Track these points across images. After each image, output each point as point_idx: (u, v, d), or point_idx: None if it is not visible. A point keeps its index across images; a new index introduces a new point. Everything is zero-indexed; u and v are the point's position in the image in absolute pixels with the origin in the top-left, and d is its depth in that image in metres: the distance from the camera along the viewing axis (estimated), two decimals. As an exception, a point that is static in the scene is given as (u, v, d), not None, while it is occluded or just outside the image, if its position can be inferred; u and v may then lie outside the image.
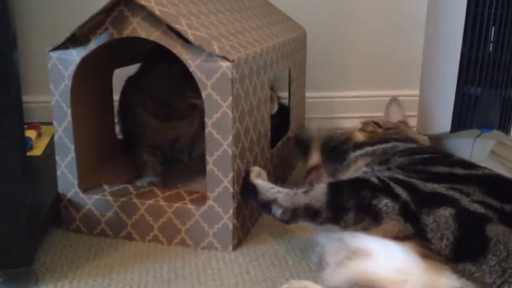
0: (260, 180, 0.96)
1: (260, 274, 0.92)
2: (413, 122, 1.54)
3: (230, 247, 1.00)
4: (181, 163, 1.34)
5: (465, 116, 1.20)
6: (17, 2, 1.58)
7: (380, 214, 0.74)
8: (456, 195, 0.75)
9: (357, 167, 0.99)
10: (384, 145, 1.03)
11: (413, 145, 1.05)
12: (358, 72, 1.72)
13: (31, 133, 1.39)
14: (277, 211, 0.85)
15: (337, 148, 1.15)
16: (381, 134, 1.18)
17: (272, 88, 1.20)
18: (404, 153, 0.96)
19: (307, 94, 1.57)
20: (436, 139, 1.39)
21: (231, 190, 0.98)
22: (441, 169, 0.85)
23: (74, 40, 0.99)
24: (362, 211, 0.75)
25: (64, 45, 1.00)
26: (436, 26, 1.31)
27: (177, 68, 1.17)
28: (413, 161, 0.91)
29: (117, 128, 1.33)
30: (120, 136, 1.36)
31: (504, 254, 0.66)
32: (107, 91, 1.23)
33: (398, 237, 0.72)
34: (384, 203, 0.74)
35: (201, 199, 1.01)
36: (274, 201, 0.86)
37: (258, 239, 1.04)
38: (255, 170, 1.00)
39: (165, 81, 1.22)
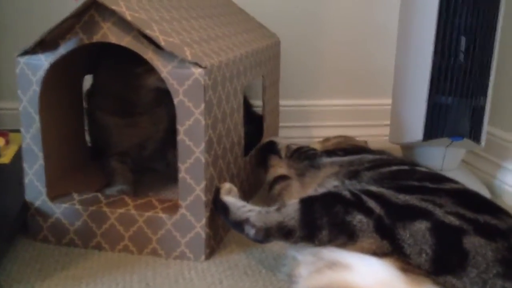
0: (231, 198, 0.95)
1: (233, 284, 0.90)
2: (385, 131, 1.55)
3: (203, 257, 0.98)
4: (155, 171, 1.31)
5: (436, 125, 1.21)
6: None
7: (355, 232, 0.73)
8: (430, 206, 0.75)
9: (326, 174, 0.99)
10: (353, 156, 1.04)
11: (382, 157, 1.06)
12: (332, 80, 1.73)
13: (-1, 140, 1.36)
14: (250, 231, 0.83)
15: (305, 151, 1.15)
16: (334, 144, 1.19)
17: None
18: (371, 166, 0.96)
19: (281, 102, 1.57)
20: (408, 147, 1.40)
21: (204, 198, 0.96)
22: (411, 182, 0.85)
23: (43, 45, 0.97)
24: (336, 229, 0.74)
25: (32, 50, 0.98)
26: (408, 36, 1.32)
27: (123, 58, 1.15)
28: (381, 175, 0.91)
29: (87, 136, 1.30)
30: (90, 144, 1.33)
31: (483, 266, 0.67)
32: (76, 98, 1.20)
33: (377, 254, 0.72)
34: (358, 219, 0.73)
35: (173, 208, 1.00)
36: (246, 220, 0.84)
37: (231, 248, 1.03)
38: (226, 187, 0.99)
39: (114, 73, 1.18)
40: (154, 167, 1.30)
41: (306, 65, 1.71)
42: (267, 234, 0.81)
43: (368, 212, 0.74)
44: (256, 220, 0.83)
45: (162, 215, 0.99)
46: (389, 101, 1.48)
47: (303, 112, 1.73)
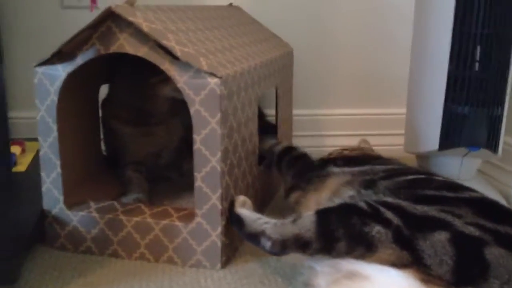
0: (246, 210, 0.95)
1: (249, 292, 0.90)
2: (399, 140, 1.55)
3: (219, 265, 0.99)
4: (169, 180, 1.32)
5: (452, 135, 1.20)
6: (4, 17, 1.57)
7: (374, 243, 0.72)
8: (449, 217, 0.74)
9: (335, 185, 0.99)
10: (362, 167, 1.03)
11: (394, 166, 1.05)
12: (345, 90, 1.73)
13: (15, 149, 1.37)
14: (266, 244, 0.82)
15: (300, 158, 1.14)
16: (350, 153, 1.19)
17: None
18: (387, 176, 0.96)
19: (294, 111, 1.57)
20: (424, 157, 1.39)
21: (220, 207, 0.97)
22: (429, 192, 0.85)
23: (61, 56, 0.98)
24: (354, 240, 0.74)
25: (50, 61, 0.99)
26: (423, 45, 1.32)
27: (139, 68, 1.16)
28: (397, 184, 0.91)
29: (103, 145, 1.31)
30: (105, 153, 1.34)
31: (506, 277, 0.66)
32: (93, 107, 1.21)
33: (396, 265, 0.71)
34: (377, 230, 0.73)
35: (189, 216, 1.00)
36: (262, 233, 0.84)
37: (246, 257, 1.03)
38: (240, 199, 0.99)
39: (130, 82, 1.20)
40: (168, 176, 1.31)
41: (319, 74, 1.71)
42: (284, 246, 0.80)
43: (386, 223, 0.73)
44: (272, 233, 0.82)
45: (178, 223, 0.99)
46: (403, 110, 1.48)
47: (316, 121, 1.73)
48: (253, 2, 1.62)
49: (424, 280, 0.68)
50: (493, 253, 0.68)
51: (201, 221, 0.98)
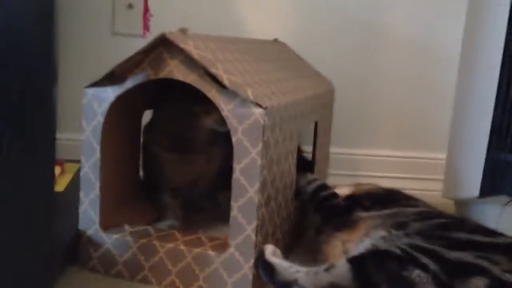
0: (277, 258, 0.93)
1: (280, 329, 0.88)
2: (437, 185, 1.52)
3: (249, 299, 0.97)
4: (203, 211, 1.31)
5: (495, 182, 1.17)
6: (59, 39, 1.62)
7: (415, 286, 0.70)
8: (485, 263, 0.72)
9: (365, 229, 0.97)
10: (391, 210, 1.01)
11: (426, 209, 1.03)
12: (384, 130, 1.72)
13: (55, 169, 1.39)
14: None
15: (328, 199, 1.12)
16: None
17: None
18: (419, 218, 0.93)
19: (332, 149, 1.56)
20: (463, 204, 1.36)
21: (254, 238, 0.95)
22: (462, 235, 0.83)
23: (112, 78, 1.01)
24: (395, 284, 0.72)
25: (101, 82, 1.01)
26: (468, 89, 1.31)
27: (183, 97, 1.17)
28: (430, 227, 0.89)
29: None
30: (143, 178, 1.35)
31: None
32: (135, 132, 1.23)
33: None
34: (416, 274, 0.71)
35: (223, 246, 0.99)
36: (295, 282, 0.82)
37: (278, 292, 1.01)
38: (270, 248, 0.97)
39: (173, 110, 1.21)
40: (203, 207, 1.31)
41: (359, 114, 1.71)
42: None
43: (423, 267, 0.72)
44: (306, 282, 0.81)
45: (211, 252, 0.98)
46: (442, 155, 1.46)
47: (353, 160, 1.72)
48: (297, 38, 1.64)
49: None
50: None
51: (234, 251, 0.97)
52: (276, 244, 1.05)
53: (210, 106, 1.12)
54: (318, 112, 1.33)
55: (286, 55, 1.46)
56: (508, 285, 0.69)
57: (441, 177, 1.50)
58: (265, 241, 0.99)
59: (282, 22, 1.66)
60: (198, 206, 1.30)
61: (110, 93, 1.01)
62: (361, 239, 0.96)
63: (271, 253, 0.95)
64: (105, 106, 1.01)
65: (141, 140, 1.26)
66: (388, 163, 1.72)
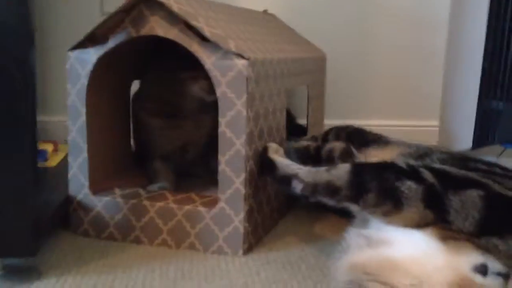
0: (279, 157, 0.94)
1: (271, 276, 0.87)
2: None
3: (241, 252, 0.96)
4: (195, 176, 1.30)
5: (487, 132, 1.16)
6: (45, 20, 1.63)
7: (401, 199, 0.70)
8: (489, 182, 0.71)
9: (393, 154, 0.97)
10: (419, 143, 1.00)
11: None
12: (378, 101, 1.71)
13: (47, 146, 1.40)
14: (298, 186, 0.83)
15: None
16: None
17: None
18: (443, 151, 0.93)
19: (326, 121, 1.55)
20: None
21: (243, 191, 0.95)
22: (480, 166, 0.82)
23: (93, 39, 1.00)
24: (384, 194, 0.72)
25: (83, 44, 1.01)
26: (457, 44, 1.30)
27: (170, 64, 1.16)
28: (452, 157, 0.89)
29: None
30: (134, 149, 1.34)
31: None
32: (124, 103, 1.22)
33: (419, 225, 0.69)
34: (407, 185, 0.70)
35: (213, 202, 0.98)
36: (295, 175, 0.85)
37: (270, 246, 1.00)
38: (273, 146, 0.98)
39: (160, 77, 1.20)
40: (196, 173, 1.30)
41: (352, 85, 1.70)
42: (314, 190, 0.80)
43: (419, 180, 0.71)
44: (305, 176, 0.83)
45: (201, 208, 0.98)
46: (435, 122, 1.44)
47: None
48: (288, 10, 1.63)
49: (443, 237, 0.66)
50: None
51: (224, 206, 0.96)
52: (267, 198, 1.05)
53: (197, 73, 1.12)
54: (308, 75, 1.32)
55: (275, 24, 1.45)
56: (506, 198, 0.67)
57: (435, 144, 1.49)
58: (255, 195, 0.99)
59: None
60: (191, 173, 1.29)
61: (93, 54, 1.00)
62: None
63: (274, 151, 0.96)
64: (88, 67, 1.01)
65: (131, 111, 1.26)
66: (382, 132, 1.70)
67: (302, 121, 1.47)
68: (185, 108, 1.22)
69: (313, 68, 1.38)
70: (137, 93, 1.26)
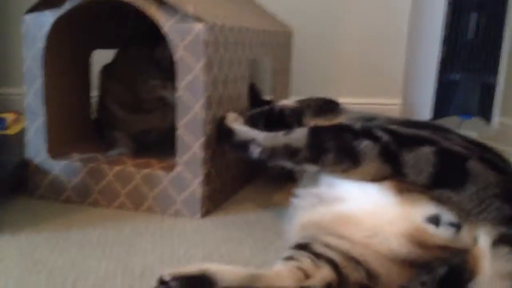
0: (237, 125, 0.95)
1: (227, 235, 0.88)
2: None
3: (198, 215, 0.96)
4: (157, 147, 1.30)
5: (445, 104, 1.19)
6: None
7: (359, 156, 0.72)
8: (439, 138, 0.73)
9: (345, 119, 0.98)
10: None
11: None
12: (343, 80, 1.73)
13: (9, 115, 1.38)
14: (255, 150, 0.83)
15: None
16: None
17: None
18: (390, 117, 0.95)
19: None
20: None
21: (201, 155, 0.95)
22: (425, 126, 0.84)
23: (49, 1, 0.99)
24: (342, 153, 0.73)
25: (38, 7, 1.00)
26: (418, 18, 1.32)
27: (147, 53, 1.16)
28: (399, 121, 0.91)
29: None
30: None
31: (483, 185, 0.65)
32: (84, 69, 1.21)
33: (375, 179, 0.70)
34: (365, 144, 0.72)
35: (171, 166, 0.99)
36: (252, 140, 0.85)
37: (228, 210, 1.01)
38: (231, 115, 0.99)
39: (133, 65, 1.19)
40: (158, 146, 1.29)
41: (319, 63, 1.71)
42: (272, 153, 0.81)
43: (375, 138, 0.73)
44: (263, 140, 0.83)
45: (159, 172, 0.98)
46: (398, 100, 1.46)
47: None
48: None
49: (398, 190, 0.67)
50: (474, 165, 0.67)
51: (182, 169, 0.96)
52: (226, 165, 1.05)
53: (167, 80, 1.13)
54: (272, 48, 1.33)
55: (244, 0, 1.45)
56: (455, 153, 0.70)
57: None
58: (213, 160, 0.99)
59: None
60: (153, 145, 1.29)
61: (49, 17, 0.99)
62: None
63: (232, 120, 0.97)
64: (45, 30, 1.00)
65: (98, 80, 1.25)
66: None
67: (269, 98, 1.47)
68: (149, 101, 1.21)
69: (279, 41, 1.39)
70: (106, 68, 1.24)
